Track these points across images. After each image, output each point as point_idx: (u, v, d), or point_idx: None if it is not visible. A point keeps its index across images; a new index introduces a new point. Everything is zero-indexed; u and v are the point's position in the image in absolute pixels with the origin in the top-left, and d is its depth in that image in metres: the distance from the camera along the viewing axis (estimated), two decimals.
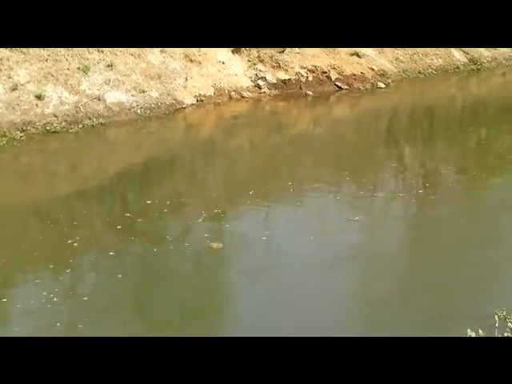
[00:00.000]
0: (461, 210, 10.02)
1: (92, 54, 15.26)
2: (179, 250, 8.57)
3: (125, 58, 15.67)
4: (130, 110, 14.89)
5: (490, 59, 22.26)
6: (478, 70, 21.52)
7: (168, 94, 15.71)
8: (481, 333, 5.96)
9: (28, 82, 14.18)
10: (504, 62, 22.57)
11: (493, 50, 22.73)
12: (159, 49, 16.40)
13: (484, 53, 22.35)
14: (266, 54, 17.84)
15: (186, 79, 16.40)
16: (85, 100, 14.49)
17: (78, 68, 14.86)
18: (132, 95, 15.16)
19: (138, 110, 14.96)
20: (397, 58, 20.22)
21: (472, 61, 21.72)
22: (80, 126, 13.87)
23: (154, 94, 15.52)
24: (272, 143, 14.25)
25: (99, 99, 14.66)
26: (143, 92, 15.31)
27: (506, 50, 23.08)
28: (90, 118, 14.16)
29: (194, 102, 16.11)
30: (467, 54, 21.88)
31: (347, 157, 12.96)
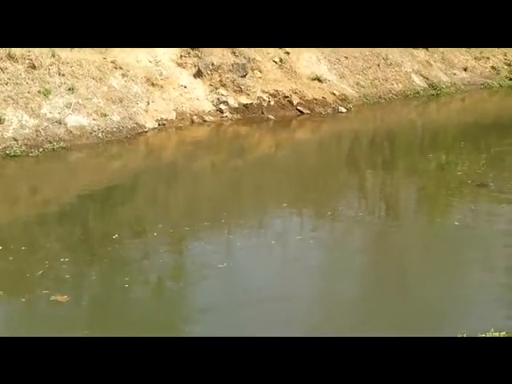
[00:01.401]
0: (416, 238, 10.05)
1: (53, 78, 15.20)
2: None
3: (86, 81, 15.64)
4: (91, 133, 14.83)
5: (449, 84, 22.60)
6: (437, 95, 21.84)
7: (129, 118, 15.69)
8: None
9: None
10: (463, 87, 22.91)
11: (452, 75, 23.13)
12: (121, 72, 16.41)
13: (443, 78, 22.72)
14: (227, 78, 17.92)
15: (148, 103, 16.41)
16: (45, 124, 14.40)
17: (39, 91, 14.78)
18: (93, 119, 15.11)
19: (100, 134, 14.91)
20: (358, 83, 20.47)
21: (431, 86, 22.05)
22: (40, 149, 13.76)
23: (116, 117, 15.49)
24: (233, 167, 14.28)
25: (60, 123, 14.58)
26: (105, 116, 15.28)
27: (464, 75, 23.51)
28: (50, 142, 14.07)
29: (156, 125, 16.11)
30: (427, 79, 22.23)
31: (308, 181, 13.00)
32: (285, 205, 11.41)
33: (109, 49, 16.84)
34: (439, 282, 8.24)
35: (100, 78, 15.93)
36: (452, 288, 8.15)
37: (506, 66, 24.51)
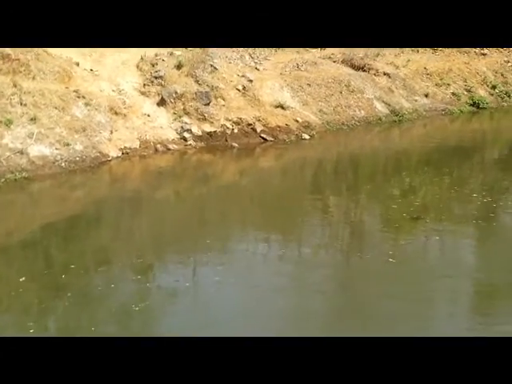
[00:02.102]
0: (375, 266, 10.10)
1: (15, 108, 15.14)
2: None
3: (48, 111, 15.59)
4: (54, 163, 14.77)
5: (411, 110, 22.90)
6: (399, 121, 22.12)
7: (93, 147, 15.65)
8: None
9: None
10: (424, 113, 23.23)
11: (413, 101, 23.43)
12: (84, 102, 16.38)
13: (405, 104, 23.01)
14: (191, 106, 18.00)
15: (111, 132, 16.39)
16: (7, 154, 14.32)
17: (0, 121, 14.69)
18: (56, 148, 15.05)
19: (63, 164, 14.85)
20: (320, 110, 20.64)
21: (394, 112, 22.32)
22: (2, 180, 13.68)
23: (79, 147, 15.44)
24: (197, 196, 14.29)
25: (22, 153, 14.51)
26: (67, 145, 15.22)
27: (426, 101, 23.83)
28: (12, 172, 13.99)
29: (120, 154, 16.10)
30: (389, 105, 22.50)
31: (270, 209, 13.06)
32: (248, 234, 11.47)
33: (72, 78, 16.84)
34: (386, 319, 8.33)
35: (63, 108, 15.88)
36: (406, 322, 8.24)
37: (466, 92, 24.92)
